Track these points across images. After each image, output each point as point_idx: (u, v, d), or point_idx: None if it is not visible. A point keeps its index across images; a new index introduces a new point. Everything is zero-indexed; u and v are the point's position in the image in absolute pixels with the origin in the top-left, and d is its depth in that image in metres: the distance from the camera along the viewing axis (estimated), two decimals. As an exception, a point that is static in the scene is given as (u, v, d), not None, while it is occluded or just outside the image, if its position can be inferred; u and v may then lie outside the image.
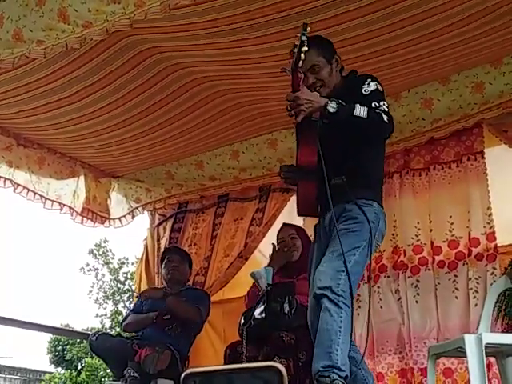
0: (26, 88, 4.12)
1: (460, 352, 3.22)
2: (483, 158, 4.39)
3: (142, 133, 4.81)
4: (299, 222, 4.50)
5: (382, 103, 2.80)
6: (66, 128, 4.70)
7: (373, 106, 2.76)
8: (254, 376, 0.89)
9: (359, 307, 4.42)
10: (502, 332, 3.49)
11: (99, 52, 3.79)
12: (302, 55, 2.73)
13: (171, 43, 3.79)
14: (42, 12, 3.15)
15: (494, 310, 3.53)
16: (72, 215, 5.54)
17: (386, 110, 2.79)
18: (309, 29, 2.72)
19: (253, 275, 4.11)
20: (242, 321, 3.92)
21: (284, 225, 4.40)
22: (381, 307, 4.48)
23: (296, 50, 2.74)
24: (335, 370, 2.49)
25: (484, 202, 4.30)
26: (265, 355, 3.57)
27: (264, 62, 3.86)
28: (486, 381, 3.01)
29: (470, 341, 3.11)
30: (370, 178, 2.95)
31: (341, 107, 2.73)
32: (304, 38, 2.70)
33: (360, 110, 2.71)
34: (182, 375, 0.97)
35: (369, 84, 2.88)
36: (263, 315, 3.78)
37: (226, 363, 3.83)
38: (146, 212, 5.93)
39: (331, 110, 2.71)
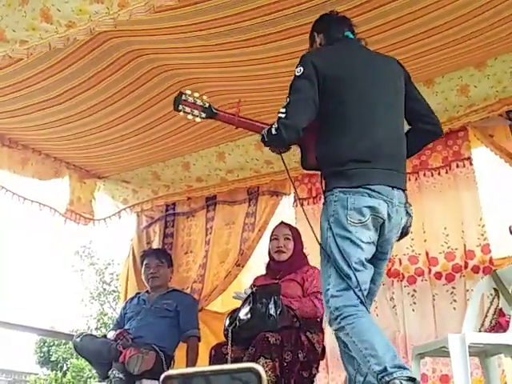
0: (11, 89, 4.11)
1: (444, 352, 3.24)
2: (471, 164, 4.42)
3: (127, 134, 4.81)
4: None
5: (283, 106, 2.73)
6: (51, 129, 4.69)
7: None
8: (233, 378, 0.90)
9: None
10: (486, 331, 3.52)
11: (84, 53, 3.78)
12: (197, 117, 2.96)
13: (157, 45, 3.79)
14: (24, 12, 3.12)
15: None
16: (54, 216, 5.52)
17: (281, 116, 2.71)
18: (188, 91, 2.95)
19: (236, 297, 4.12)
20: (227, 322, 3.92)
21: (281, 223, 4.38)
22: (377, 315, 4.44)
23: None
24: (383, 374, 2.42)
25: (476, 212, 4.33)
26: (250, 356, 3.57)
27: (250, 65, 3.87)
28: (470, 380, 3.03)
29: (453, 340, 3.13)
30: (327, 163, 2.80)
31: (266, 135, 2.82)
32: (179, 108, 2.96)
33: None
34: (161, 377, 0.97)
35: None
36: (248, 316, 3.78)
37: (210, 364, 3.83)
38: (132, 213, 5.92)
39: (265, 144, 2.88)
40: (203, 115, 2.94)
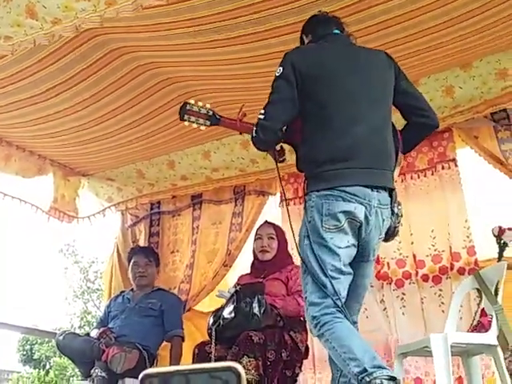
0: (-5, 85, 4.08)
1: (426, 351, 3.27)
2: (456, 166, 4.44)
3: (112, 132, 4.78)
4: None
5: (263, 107, 2.75)
6: (35, 126, 4.66)
7: None
8: (212, 376, 0.89)
9: None
10: (469, 331, 3.55)
11: (69, 50, 3.75)
12: (202, 126, 3.01)
13: (142, 43, 3.77)
14: (9, 8, 3.08)
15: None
16: (37, 214, 5.49)
17: (260, 117, 2.73)
18: (192, 101, 2.99)
19: (220, 295, 4.11)
20: (211, 320, 3.91)
21: (265, 222, 4.39)
22: (366, 317, 4.43)
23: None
24: (363, 375, 2.40)
25: (462, 214, 4.35)
26: (233, 355, 3.57)
27: (237, 64, 3.86)
28: (452, 379, 3.06)
29: (435, 340, 3.16)
30: (305, 166, 2.78)
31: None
32: (186, 122, 3.01)
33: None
34: (140, 376, 0.97)
35: None
36: (232, 315, 3.78)
37: (193, 363, 3.83)
38: (117, 211, 5.90)
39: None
40: (208, 123, 2.99)
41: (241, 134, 3.06)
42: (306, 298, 2.69)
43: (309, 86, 2.72)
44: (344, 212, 2.62)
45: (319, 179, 2.67)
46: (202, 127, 3.01)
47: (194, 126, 2.99)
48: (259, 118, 2.72)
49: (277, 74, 2.75)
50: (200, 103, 2.98)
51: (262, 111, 2.71)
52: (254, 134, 2.75)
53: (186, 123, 2.99)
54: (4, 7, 3.11)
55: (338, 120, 2.70)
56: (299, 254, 2.74)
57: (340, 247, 2.65)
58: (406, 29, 3.58)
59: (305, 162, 2.78)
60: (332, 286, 2.61)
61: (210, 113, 2.99)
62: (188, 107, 2.97)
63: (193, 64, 4.02)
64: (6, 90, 4.13)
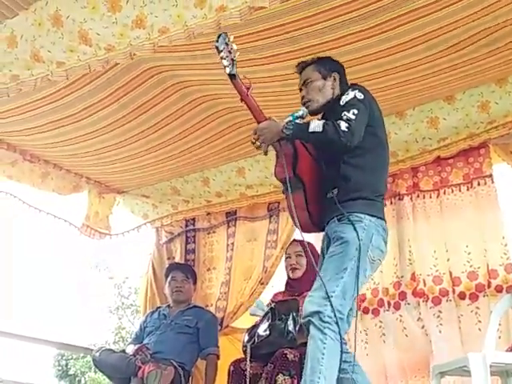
0: (32, 105, 4.14)
1: (465, 371, 3.21)
2: (493, 182, 4.37)
3: (147, 150, 4.82)
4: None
5: (351, 112, 2.78)
6: (72, 146, 4.72)
7: (341, 115, 2.79)
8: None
9: (383, 334, 4.48)
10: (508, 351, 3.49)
11: (104, 70, 3.77)
12: (225, 62, 2.86)
13: (177, 62, 3.81)
14: (61, 33, 3.16)
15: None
16: (70, 231, 5.57)
17: (351, 117, 2.76)
18: (232, 37, 2.85)
19: (253, 313, 4.12)
20: (246, 338, 3.91)
21: (293, 241, 4.39)
22: (406, 335, 4.41)
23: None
24: None
25: (499, 231, 4.27)
26: (268, 372, 3.57)
27: (269, 82, 3.88)
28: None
29: (474, 360, 3.10)
30: (362, 189, 2.86)
31: (296, 127, 2.82)
32: (217, 44, 2.85)
33: (316, 126, 2.76)
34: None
35: (347, 94, 2.91)
36: (267, 332, 3.78)
37: (229, 380, 3.83)
38: (152, 228, 5.94)
39: (287, 132, 2.82)
40: (228, 70, 2.88)
41: (241, 101, 2.98)
42: (338, 285, 2.69)
43: (373, 122, 2.90)
44: (381, 251, 2.87)
45: (374, 206, 2.86)
46: (227, 69, 2.87)
47: (219, 59, 2.88)
48: (347, 126, 2.73)
49: (358, 97, 2.86)
50: (235, 47, 2.86)
51: (348, 124, 2.74)
52: (345, 129, 2.73)
53: (216, 51, 2.87)
54: (55, 33, 3.17)
55: (386, 160, 3.04)
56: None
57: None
58: (438, 45, 3.59)
59: (362, 185, 2.88)
60: (350, 301, 2.74)
61: (234, 63, 2.87)
62: (226, 40, 2.85)
63: (226, 82, 4.03)
64: (44, 109, 4.20)
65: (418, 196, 4.62)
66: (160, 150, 4.83)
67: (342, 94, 2.98)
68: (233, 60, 2.86)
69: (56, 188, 5.33)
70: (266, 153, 2.93)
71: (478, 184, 4.41)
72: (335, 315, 2.61)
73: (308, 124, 2.79)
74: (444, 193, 4.55)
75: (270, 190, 5.22)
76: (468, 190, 4.46)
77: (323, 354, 2.57)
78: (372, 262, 2.82)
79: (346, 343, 2.83)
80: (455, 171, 4.54)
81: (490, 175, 4.39)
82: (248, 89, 2.92)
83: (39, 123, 4.37)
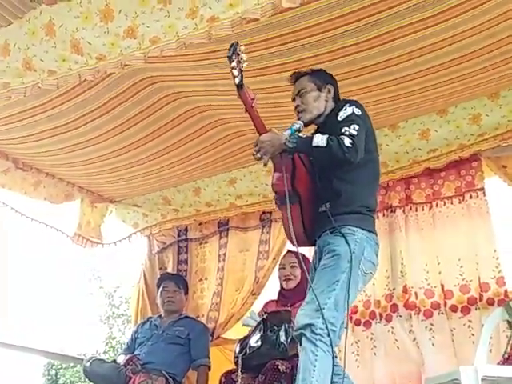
0: (25, 114, 4.14)
1: (456, 384, 3.21)
2: (485, 195, 4.39)
3: (140, 160, 4.83)
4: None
5: (351, 127, 2.79)
6: (65, 154, 4.71)
7: (342, 131, 2.79)
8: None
9: (374, 347, 4.47)
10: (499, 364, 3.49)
11: (99, 80, 3.79)
12: (235, 72, 2.86)
13: (171, 72, 3.82)
14: (53, 42, 3.17)
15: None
16: (61, 239, 5.56)
17: (354, 133, 2.77)
18: (242, 47, 2.87)
19: (246, 324, 4.12)
20: (238, 349, 3.91)
21: (288, 251, 4.40)
22: (397, 348, 4.41)
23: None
24: None
25: (490, 244, 4.27)
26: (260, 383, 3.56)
27: (264, 93, 3.88)
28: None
29: (466, 373, 3.09)
30: (354, 203, 2.89)
31: (299, 141, 2.83)
32: (229, 54, 2.86)
33: (319, 140, 2.76)
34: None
35: (345, 109, 2.91)
36: (259, 343, 3.78)
37: (221, 391, 3.82)
38: (143, 237, 5.93)
39: (290, 145, 2.82)
40: (237, 81, 2.89)
41: (245, 112, 2.97)
42: (330, 297, 2.69)
43: (367, 138, 2.91)
44: (373, 264, 2.90)
45: (366, 220, 2.90)
46: (236, 80, 2.88)
47: (230, 68, 2.89)
48: (351, 142, 2.74)
49: (357, 113, 2.89)
50: (245, 57, 2.88)
51: (351, 140, 2.74)
52: (349, 145, 2.73)
53: (228, 61, 2.88)
54: (47, 41, 3.18)
55: (378, 175, 3.08)
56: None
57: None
58: (431, 60, 3.61)
59: (354, 200, 2.90)
60: (342, 314, 2.74)
61: (242, 73, 2.89)
62: (238, 49, 2.87)
63: (221, 93, 4.04)
64: (36, 118, 4.20)
65: (411, 208, 4.63)
66: (153, 159, 4.84)
67: (337, 108, 3.00)
68: (241, 70, 2.88)
69: (48, 196, 5.31)
70: (266, 164, 2.93)
71: (470, 197, 4.43)
72: (327, 327, 2.61)
73: (311, 138, 2.80)
74: (436, 205, 4.56)
75: (259, 200, 5.23)
76: (460, 202, 4.48)
77: (315, 366, 2.57)
78: (364, 274, 2.83)
79: (336, 356, 2.82)
80: (447, 184, 4.55)
81: (482, 188, 4.41)
82: (253, 100, 2.93)
83: (33, 131, 4.36)
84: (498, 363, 3.48)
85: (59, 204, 5.44)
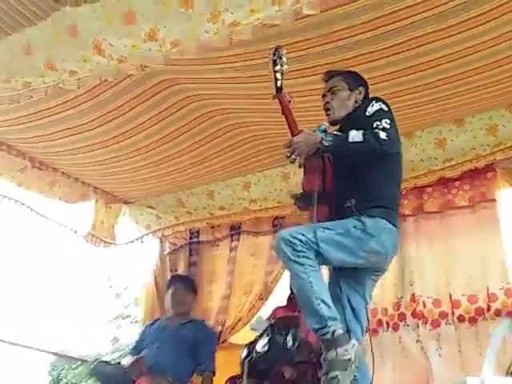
0: (43, 114, 4.18)
1: (463, 395, 3.20)
2: (497, 206, 4.37)
3: (155, 161, 4.85)
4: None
5: (383, 121, 2.81)
6: (81, 154, 4.75)
7: (374, 125, 2.80)
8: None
9: (381, 355, 4.40)
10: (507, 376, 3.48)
11: (117, 81, 3.82)
12: (278, 75, 2.89)
13: (189, 75, 3.84)
14: (76, 43, 3.21)
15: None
16: (75, 239, 5.59)
17: (387, 126, 2.79)
18: (285, 51, 2.91)
19: (253, 328, 4.12)
20: (244, 353, 3.90)
21: None
22: (405, 357, 4.40)
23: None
24: (329, 322, 2.57)
25: (499, 255, 4.26)
26: (265, 389, 3.57)
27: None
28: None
29: (473, 384, 3.09)
30: (379, 199, 2.90)
31: (335, 138, 2.82)
32: (275, 58, 2.89)
33: (355, 135, 2.77)
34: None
35: (372, 105, 2.93)
36: (265, 348, 3.77)
37: (226, 396, 3.83)
38: (155, 238, 5.95)
39: (327, 143, 2.80)
40: (279, 83, 2.93)
41: (282, 114, 2.98)
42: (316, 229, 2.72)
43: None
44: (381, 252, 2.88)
45: (391, 214, 2.90)
46: (278, 83, 2.93)
47: (274, 71, 2.93)
48: (387, 135, 2.76)
49: (384, 109, 2.92)
50: (285, 59, 2.93)
51: (386, 133, 2.77)
52: (385, 138, 2.76)
53: (272, 62, 2.93)
54: (70, 42, 3.22)
55: (401, 173, 3.08)
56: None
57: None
58: (451, 70, 3.63)
59: (379, 195, 2.90)
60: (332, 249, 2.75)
61: (282, 77, 2.93)
62: (281, 53, 2.92)
63: (236, 97, 4.07)
64: (53, 118, 4.24)
65: (423, 217, 4.62)
66: (168, 161, 4.86)
67: (363, 105, 3.02)
68: (282, 74, 2.92)
69: (63, 196, 5.34)
70: (301, 166, 2.95)
71: (483, 208, 4.41)
72: (308, 242, 2.66)
73: (346, 134, 2.80)
74: (448, 215, 4.55)
75: (273, 205, 5.24)
76: (472, 213, 4.46)
77: (311, 282, 2.62)
78: (368, 252, 2.81)
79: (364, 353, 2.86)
80: (461, 194, 4.53)
81: (494, 200, 4.40)
82: (289, 102, 2.96)
83: (51, 131, 4.40)
84: (505, 375, 3.48)
85: (74, 204, 5.48)
